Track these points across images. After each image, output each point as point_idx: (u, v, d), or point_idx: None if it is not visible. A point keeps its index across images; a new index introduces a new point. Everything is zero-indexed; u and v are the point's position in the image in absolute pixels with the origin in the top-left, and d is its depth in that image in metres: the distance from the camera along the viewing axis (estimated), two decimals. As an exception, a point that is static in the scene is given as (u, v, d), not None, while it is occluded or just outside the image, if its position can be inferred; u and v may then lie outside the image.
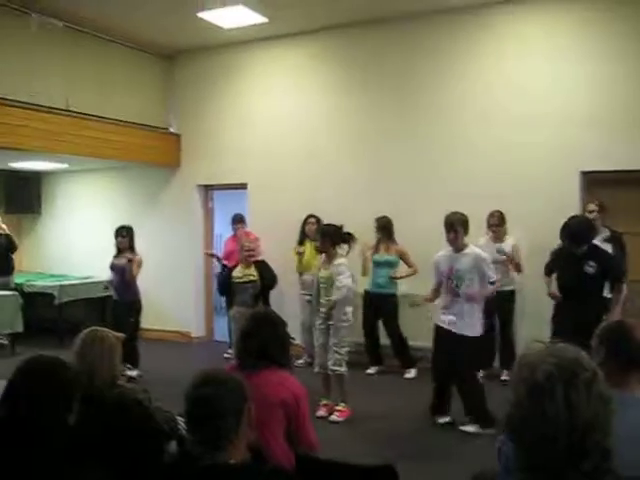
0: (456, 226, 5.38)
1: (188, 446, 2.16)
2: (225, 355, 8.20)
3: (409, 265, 7.27)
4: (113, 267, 7.37)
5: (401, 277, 7.23)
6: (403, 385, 6.97)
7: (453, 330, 5.35)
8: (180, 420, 2.68)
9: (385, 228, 7.30)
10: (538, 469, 1.43)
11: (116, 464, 2.18)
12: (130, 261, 7.20)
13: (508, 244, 6.82)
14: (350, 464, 2.75)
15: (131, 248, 7.34)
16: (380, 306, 7.27)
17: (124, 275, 7.24)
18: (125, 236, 7.32)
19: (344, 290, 5.72)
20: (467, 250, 5.44)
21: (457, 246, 5.43)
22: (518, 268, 6.81)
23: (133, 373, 7.10)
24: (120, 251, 7.37)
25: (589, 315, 5.03)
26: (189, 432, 2.09)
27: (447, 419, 5.59)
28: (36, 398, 2.22)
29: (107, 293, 9.42)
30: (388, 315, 7.31)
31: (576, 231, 5.39)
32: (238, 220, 8.47)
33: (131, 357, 7.20)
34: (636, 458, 1.62)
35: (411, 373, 7.21)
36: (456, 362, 5.35)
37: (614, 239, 6.36)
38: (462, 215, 5.46)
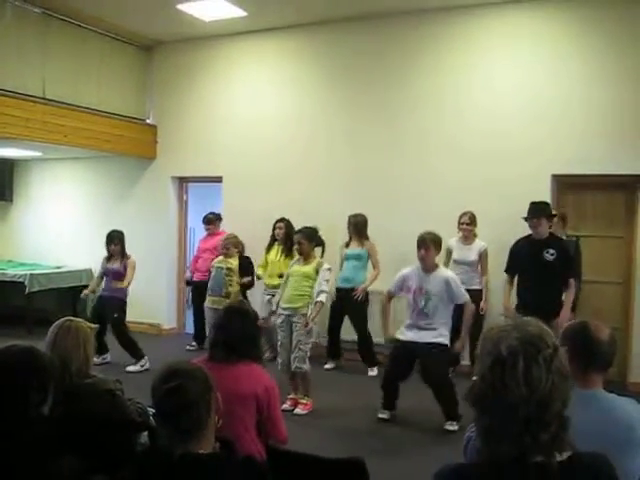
0: (428, 243, 5.44)
1: (159, 437, 2.18)
2: (187, 347, 8.27)
3: (373, 265, 7.28)
4: (107, 272, 7.40)
5: (364, 288, 7.18)
6: (365, 382, 6.96)
7: (425, 340, 5.39)
8: (151, 411, 2.69)
9: (356, 226, 7.32)
10: (498, 439, 1.49)
11: (89, 454, 2.19)
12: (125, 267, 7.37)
13: (476, 247, 6.89)
14: (320, 457, 2.78)
15: (122, 253, 7.41)
16: (348, 300, 7.22)
17: (118, 278, 7.33)
18: (117, 244, 7.39)
19: (325, 296, 5.85)
20: (437, 272, 5.50)
21: (427, 265, 5.48)
22: (484, 273, 6.92)
23: (145, 364, 7.22)
24: (112, 255, 7.42)
25: (549, 297, 5.30)
26: (159, 424, 2.11)
27: (386, 415, 5.66)
28: (11, 388, 2.22)
29: (79, 283, 9.39)
30: (355, 310, 7.27)
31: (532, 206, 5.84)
32: (215, 219, 8.56)
33: (134, 350, 7.29)
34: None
35: (374, 371, 7.18)
36: (432, 373, 5.38)
37: (571, 242, 6.57)
38: (435, 235, 5.52)
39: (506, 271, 6.12)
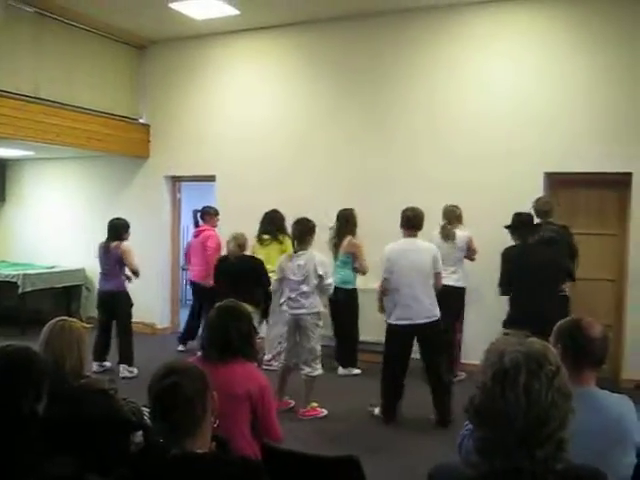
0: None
1: (154, 436, 2.18)
2: (178, 348, 8.22)
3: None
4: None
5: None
6: (344, 382, 6.96)
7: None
8: (146, 411, 2.69)
9: (344, 220, 7.22)
10: (494, 452, 1.50)
11: (83, 454, 2.19)
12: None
13: (464, 235, 6.78)
14: (315, 455, 2.79)
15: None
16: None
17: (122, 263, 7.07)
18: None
19: (332, 289, 5.94)
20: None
21: None
22: (473, 254, 6.84)
23: (134, 370, 6.92)
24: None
25: (547, 307, 5.16)
26: (154, 423, 2.11)
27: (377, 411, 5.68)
28: (6, 388, 2.22)
29: (73, 283, 9.37)
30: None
31: (526, 220, 5.69)
32: (214, 213, 8.37)
33: (128, 354, 7.04)
34: (582, 450, 1.69)
35: (350, 371, 7.16)
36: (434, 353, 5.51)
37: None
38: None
39: None
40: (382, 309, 5.72)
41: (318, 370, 5.82)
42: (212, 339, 3.12)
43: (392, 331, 5.57)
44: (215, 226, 8.27)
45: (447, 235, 6.66)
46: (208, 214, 8.27)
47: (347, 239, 7.15)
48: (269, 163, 8.60)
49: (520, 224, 5.65)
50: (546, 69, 7.13)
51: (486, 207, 7.16)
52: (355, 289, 7.23)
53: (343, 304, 7.10)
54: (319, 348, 5.82)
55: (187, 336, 8.28)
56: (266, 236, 7.41)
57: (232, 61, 8.94)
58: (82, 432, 2.30)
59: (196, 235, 8.28)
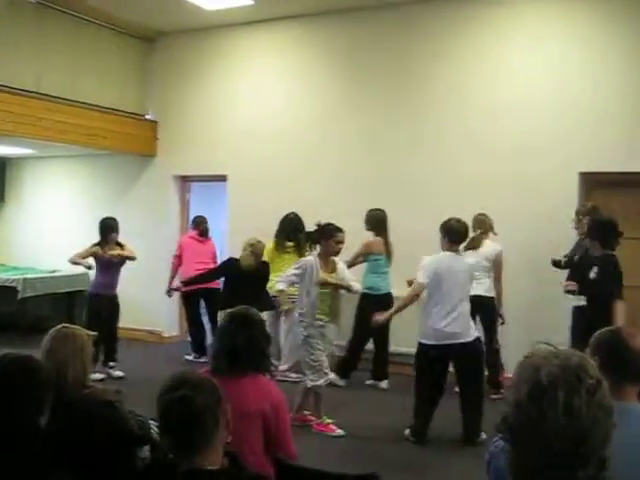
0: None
1: (162, 451, 2.17)
2: (186, 357, 8.29)
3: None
4: (113, 262, 7.36)
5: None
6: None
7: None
8: (153, 425, 2.69)
9: (375, 223, 7.18)
10: (531, 475, 1.47)
11: (87, 469, 2.19)
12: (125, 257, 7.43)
13: (495, 246, 6.74)
14: (333, 473, 2.77)
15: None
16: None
17: (118, 269, 7.42)
18: (117, 232, 7.47)
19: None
20: None
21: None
22: (499, 271, 6.76)
23: (119, 373, 7.31)
24: (106, 244, 7.39)
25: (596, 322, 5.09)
26: (163, 437, 2.10)
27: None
28: (7, 399, 2.22)
29: (76, 288, 9.40)
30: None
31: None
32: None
33: (112, 353, 7.38)
34: (623, 469, 1.66)
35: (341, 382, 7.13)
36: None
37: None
38: (445, 221, 5.57)
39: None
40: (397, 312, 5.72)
41: (313, 382, 5.71)
42: (221, 350, 3.09)
43: (423, 352, 5.49)
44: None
45: (475, 245, 6.63)
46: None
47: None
48: (286, 162, 8.58)
49: (604, 230, 5.61)
50: (585, 60, 7.07)
51: (516, 208, 7.13)
52: (390, 294, 7.11)
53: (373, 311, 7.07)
54: (321, 359, 5.72)
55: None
56: (290, 243, 7.37)
57: (245, 54, 8.95)
58: (86, 446, 2.30)
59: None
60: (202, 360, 7.96)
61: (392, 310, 5.81)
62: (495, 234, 6.77)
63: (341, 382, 7.10)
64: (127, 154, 9.46)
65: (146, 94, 9.61)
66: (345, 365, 7.22)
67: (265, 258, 7.14)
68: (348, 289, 5.88)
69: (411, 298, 5.55)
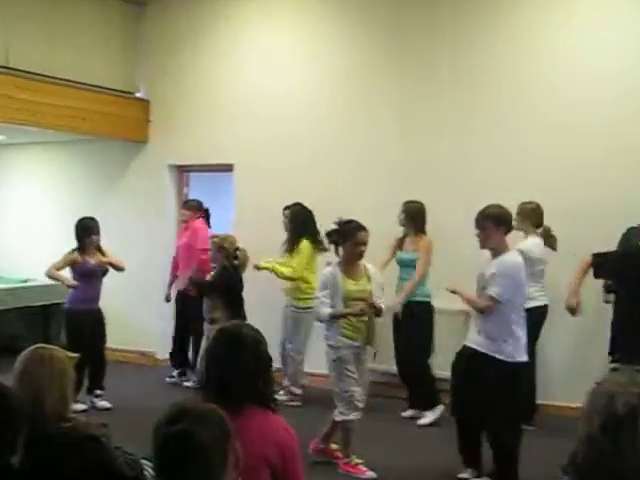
0: (482, 221, 5.35)
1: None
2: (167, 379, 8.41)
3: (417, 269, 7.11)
4: (95, 271, 7.41)
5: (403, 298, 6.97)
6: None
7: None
8: (146, 465, 2.70)
9: (413, 217, 7.18)
10: None
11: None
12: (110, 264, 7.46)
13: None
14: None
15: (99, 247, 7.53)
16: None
17: (101, 279, 7.44)
18: (99, 234, 7.49)
19: None
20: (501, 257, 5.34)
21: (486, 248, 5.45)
22: None
23: (106, 403, 7.31)
24: (86, 250, 7.41)
25: None
26: (159, 477, 2.11)
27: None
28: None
29: (53, 301, 9.43)
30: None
31: None
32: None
33: (99, 380, 7.41)
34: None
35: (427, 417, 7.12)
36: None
37: None
38: (494, 208, 5.39)
39: None
40: None
41: (342, 416, 5.71)
42: (208, 379, 2.99)
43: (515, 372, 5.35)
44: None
45: (552, 243, 6.67)
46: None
47: (421, 237, 7.13)
48: (301, 148, 8.60)
49: None
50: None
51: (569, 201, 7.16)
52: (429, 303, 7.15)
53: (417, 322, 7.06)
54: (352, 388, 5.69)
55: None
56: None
57: (253, 19, 8.94)
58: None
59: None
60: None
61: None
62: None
63: (428, 418, 7.05)
64: (113, 139, 9.51)
65: (135, 68, 9.65)
66: (427, 394, 7.17)
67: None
68: (375, 310, 5.73)
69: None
